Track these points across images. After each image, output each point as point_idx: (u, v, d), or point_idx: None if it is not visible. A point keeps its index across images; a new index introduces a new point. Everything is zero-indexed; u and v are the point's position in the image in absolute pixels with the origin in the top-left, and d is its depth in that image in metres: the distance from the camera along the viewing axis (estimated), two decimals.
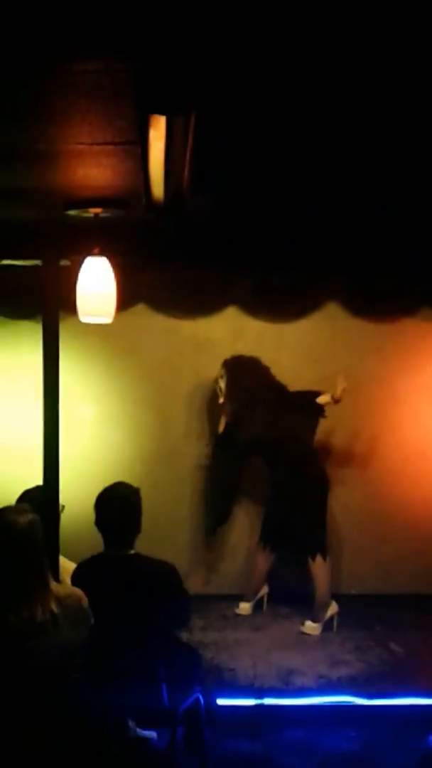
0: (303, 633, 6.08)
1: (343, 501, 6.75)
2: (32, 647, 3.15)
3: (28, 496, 4.76)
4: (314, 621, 6.15)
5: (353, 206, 4.87)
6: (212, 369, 6.44)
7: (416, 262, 5.93)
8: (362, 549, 6.83)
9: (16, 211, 4.77)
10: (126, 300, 5.55)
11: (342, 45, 2.52)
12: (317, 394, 6.16)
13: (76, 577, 4.07)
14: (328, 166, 4.01)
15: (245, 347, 6.74)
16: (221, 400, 6.30)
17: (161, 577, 4.08)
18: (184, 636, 4.57)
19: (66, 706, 3.23)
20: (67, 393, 5.77)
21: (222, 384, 6.28)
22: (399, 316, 6.75)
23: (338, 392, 6.02)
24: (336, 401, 6.07)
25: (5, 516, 3.30)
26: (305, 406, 6.21)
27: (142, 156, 3.19)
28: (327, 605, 6.19)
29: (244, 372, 6.27)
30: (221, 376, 6.30)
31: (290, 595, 6.53)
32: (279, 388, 6.32)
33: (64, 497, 5.43)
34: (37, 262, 5.32)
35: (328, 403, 6.12)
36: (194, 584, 6.18)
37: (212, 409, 6.54)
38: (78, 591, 3.37)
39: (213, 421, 6.61)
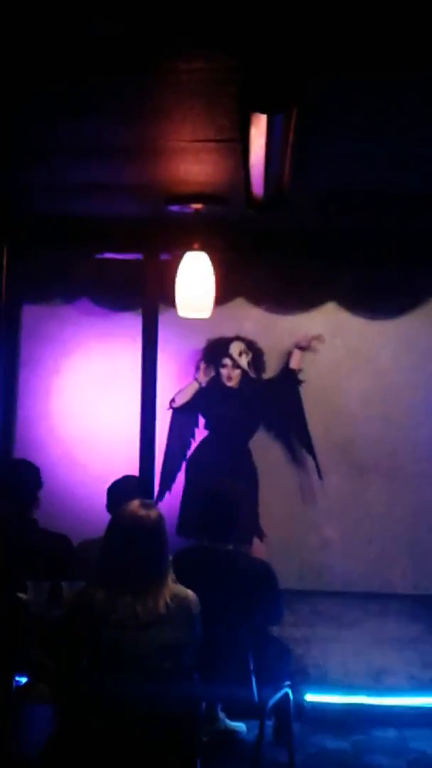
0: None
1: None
2: (145, 636, 3.25)
3: (123, 488, 4.78)
4: None
5: None
6: (312, 364, 6.40)
7: None
8: None
9: (119, 206, 4.85)
10: (224, 294, 5.59)
11: None
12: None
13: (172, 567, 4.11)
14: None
15: (345, 343, 6.68)
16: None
17: (258, 573, 4.10)
18: (275, 630, 4.58)
19: (169, 700, 3.29)
20: (164, 385, 5.84)
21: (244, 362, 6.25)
22: None
23: (305, 342, 6.22)
24: (302, 348, 6.24)
25: (136, 511, 3.39)
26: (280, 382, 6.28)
27: (242, 153, 3.21)
28: None
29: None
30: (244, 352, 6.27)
31: (381, 594, 6.51)
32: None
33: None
34: (138, 256, 5.40)
35: (299, 361, 6.25)
36: (287, 580, 6.17)
37: (311, 402, 6.49)
38: (192, 594, 3.42)
39: (312, 414, 6.56)
